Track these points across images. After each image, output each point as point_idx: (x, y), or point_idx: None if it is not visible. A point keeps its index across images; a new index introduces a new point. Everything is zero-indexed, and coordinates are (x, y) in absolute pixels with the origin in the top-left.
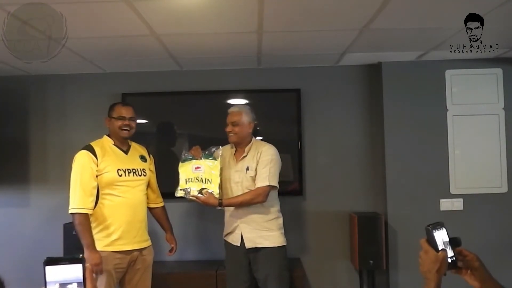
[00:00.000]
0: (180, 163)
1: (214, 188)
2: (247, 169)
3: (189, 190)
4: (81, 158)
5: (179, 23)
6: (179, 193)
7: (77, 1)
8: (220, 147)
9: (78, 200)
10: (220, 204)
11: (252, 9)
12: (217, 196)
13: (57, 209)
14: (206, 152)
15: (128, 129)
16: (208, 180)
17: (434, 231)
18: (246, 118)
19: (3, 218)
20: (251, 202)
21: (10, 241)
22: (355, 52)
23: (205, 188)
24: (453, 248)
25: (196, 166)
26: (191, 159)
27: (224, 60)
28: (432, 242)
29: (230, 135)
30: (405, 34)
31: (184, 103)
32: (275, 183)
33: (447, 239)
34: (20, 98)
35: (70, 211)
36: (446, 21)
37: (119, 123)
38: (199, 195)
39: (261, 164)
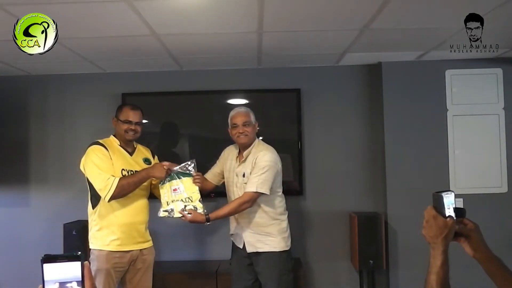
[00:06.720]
0: (160, 185)
1: (196, 204)
2: (243, 175)
3: (171, 209)
4: (98, 151)
5: (179, 23)
6: (162, 214)
7: (78, 1)
8: (194, 160)
9: (105, 174)
10: (208, 220)
11: (252, 9)
12: (200, 210)
13: (57, 209)
14: (183, 170)
15: (133, 133)
16: (188, 198)
17: (444, 198)
18: (253, 118)
19: (3, 218)
20: (238, 210)
21: (10, 241)
22: (355, 52)
23: (187, 205)
24: (456, 217)
25: (174, 188)
26: (169, 180)
27: (224, 60)
28: (439, 208)
29: (241, 136)
30: (405, 34)
31: (184, 103)
32: (264, 190)
33: (453, 208)
34: (20, 98)
35: (106, 197)
36: (446, 21)
37: (125, 126)
38: (187, 214)
39: (254, 170)
